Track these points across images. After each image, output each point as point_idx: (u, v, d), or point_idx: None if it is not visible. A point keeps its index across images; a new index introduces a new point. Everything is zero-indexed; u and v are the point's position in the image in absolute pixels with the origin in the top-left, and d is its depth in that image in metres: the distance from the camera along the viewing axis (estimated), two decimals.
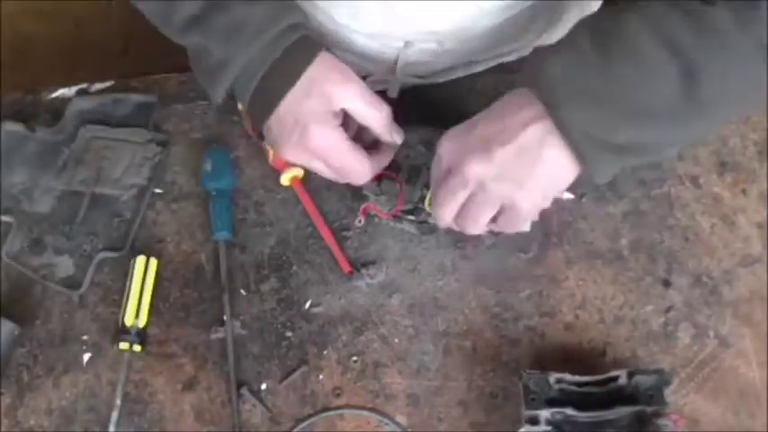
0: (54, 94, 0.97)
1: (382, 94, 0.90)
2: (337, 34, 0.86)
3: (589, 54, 0.65)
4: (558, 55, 0.67)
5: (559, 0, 0.88)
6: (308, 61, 0.72)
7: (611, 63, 0.65)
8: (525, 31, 0.89)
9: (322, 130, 0.72)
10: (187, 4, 0.72)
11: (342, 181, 0.77)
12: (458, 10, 0.80)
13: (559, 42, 0.68)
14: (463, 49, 0.88)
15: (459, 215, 0.73)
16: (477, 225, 0.73)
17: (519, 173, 0.68)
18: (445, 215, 0.73)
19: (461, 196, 0.71)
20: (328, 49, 0.74)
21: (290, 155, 0.75)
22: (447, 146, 0.72)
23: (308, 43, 0.74)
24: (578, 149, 0.66)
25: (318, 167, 0.76)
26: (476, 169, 0.69)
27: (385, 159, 0.79)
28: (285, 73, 0.72)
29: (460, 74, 0.92)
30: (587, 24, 0.68)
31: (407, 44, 0.85)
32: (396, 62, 0.87)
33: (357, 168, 0.75)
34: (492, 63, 0.92)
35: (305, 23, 0.74)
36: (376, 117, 0.75)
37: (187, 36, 0.74)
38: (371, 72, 0.91)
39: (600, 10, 0.71)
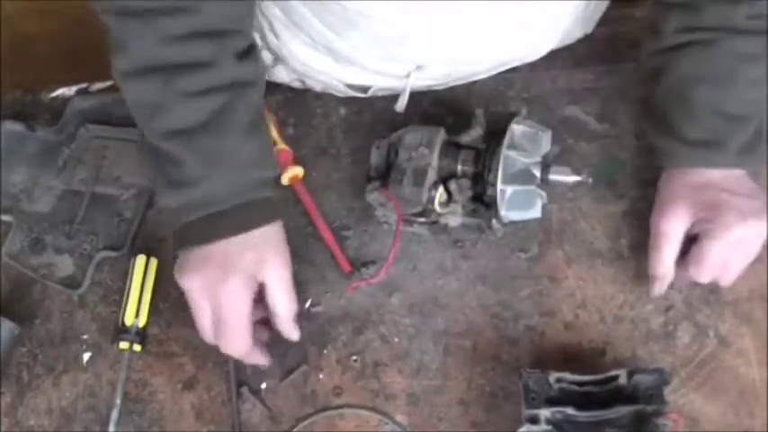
0: (54, 94, 0.97)
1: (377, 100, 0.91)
2: (348, 53, 0.86)
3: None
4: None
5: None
6: (269, 220, 0.75)
7: None
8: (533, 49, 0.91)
9: (239, 286, 0.73)
10: (182, 114, 0.72)
11: (207, 337, 0.75)
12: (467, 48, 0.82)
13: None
14: (472, 70, 0.90)
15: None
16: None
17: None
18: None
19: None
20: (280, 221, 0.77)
21: (189, 282, 0.73)
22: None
23: (272, 206, 0.77)
24: None
25: (200, 311, 0.74)
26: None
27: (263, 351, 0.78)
28: (242, 218, 0.74)
29: (461, 83, 0.93)
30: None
31: (419, 68, 0.86)
32: (407, 76, 0.87)
33: (236, 340, 0.74)
34: (494, 72, 0.92)
35: (273, 180, 0.78)
36: (288, 308, 0.76)
37: (165, 141, 0.73)
38: (376, 83, 0.91)
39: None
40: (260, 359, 0.78)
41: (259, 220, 0.75)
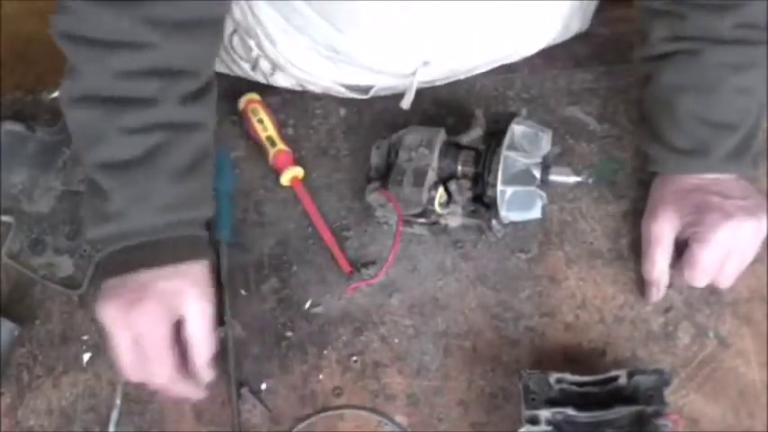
0: (54, 94, 0.97)
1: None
2: (352, 52, 0.86)
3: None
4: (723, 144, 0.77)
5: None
6: (190, 257, 0.74)
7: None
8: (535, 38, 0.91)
9: (155, 309, 0.70)
10: (117, 148, 0.72)
11: (128, 372, 0.72)
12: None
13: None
14: (474, 63, 0.90)
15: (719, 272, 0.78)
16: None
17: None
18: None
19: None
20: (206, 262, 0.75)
21: (105, 310, 0.71)
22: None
23: (199, 244, 0.76)
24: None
25: (118, 342, 0.71)
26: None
27: (196, 390, 0.75)
28: (164, 252, 0.73)
29: (463, 77, 0.93)
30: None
31: (426, 63, 0.86)
32: (413, 73, 0.87)
33: (158, 366, 0.71)
34: (495, 65, 0.93)
35: (205, 222, 0.77)
36: (203, 343, 0.73)
37: (98, 173, 0.73)
38: (378, 83, 0.91)
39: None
40: (189, 391, 0.75)
41: (180, 256, 0.73)
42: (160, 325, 0.71)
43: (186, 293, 0.72)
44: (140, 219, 0.73)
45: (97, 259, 0.75)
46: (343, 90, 0.92)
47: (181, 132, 0.74)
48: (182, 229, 0.74)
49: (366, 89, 0.91)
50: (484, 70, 0.93)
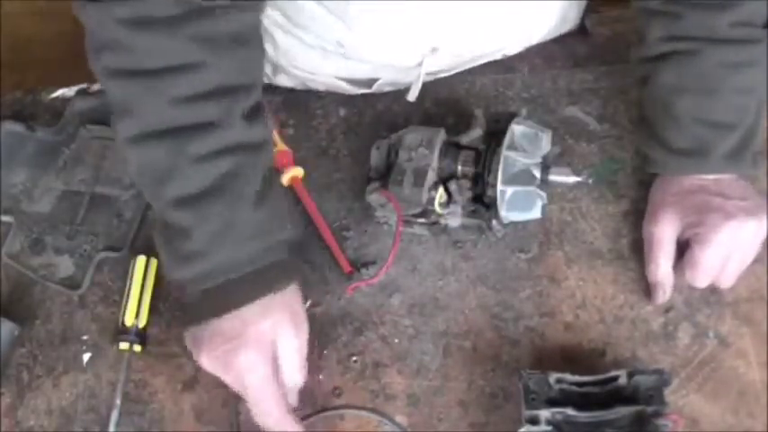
0: (54, 94, 0.97)
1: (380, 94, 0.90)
2: (358, 47, 0.86)
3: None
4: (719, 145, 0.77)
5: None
6: (280, 286, 0.72)
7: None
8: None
9: (256, 356, 0.70)
10: (191, 179, 0.70)
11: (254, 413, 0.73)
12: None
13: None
14: (480, 51, 0.90)
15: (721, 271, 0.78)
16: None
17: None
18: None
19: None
20: (297, 283, 0.74)
21: (207, 360, 0.71)
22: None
23: (287, 267, 0.74)
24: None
25: (229, 383, 0.72)
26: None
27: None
28: (255, 286, 0.71)
29: (465, 68, 0.93)
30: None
31: (434, 50, 0.86)
32: (419, 64, 0.87)
33: (264, 409, 0.72)
34: (498, 55, 0.93)
35: (292, 240, 0.75)
36: (294, 380, 0.74)
37: (174, 210, 0.70)
38: (382, 75, 0.91)
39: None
40: (294, 427, 0.73)
41: (268, 287, 0.72)
42: (260, 367, 0.70)
43: (283, 328, 0.71)
44: (225, 254, 0.70)
45: (185, 300, 0.73)
46: (346, 86, 0.91)
47: (250, 153, 0.71)
48: (268, 257, 0.72)
49: (370, 83, 0.91)
50: (487, 60, 0.92)
